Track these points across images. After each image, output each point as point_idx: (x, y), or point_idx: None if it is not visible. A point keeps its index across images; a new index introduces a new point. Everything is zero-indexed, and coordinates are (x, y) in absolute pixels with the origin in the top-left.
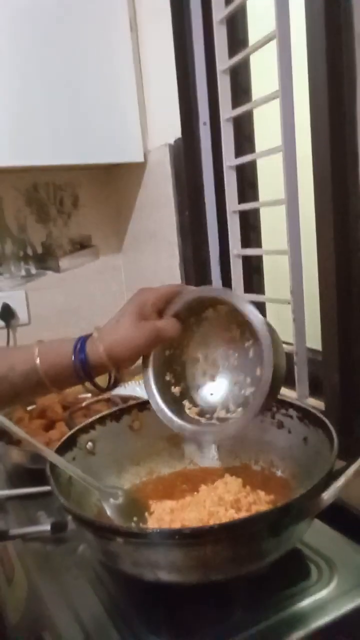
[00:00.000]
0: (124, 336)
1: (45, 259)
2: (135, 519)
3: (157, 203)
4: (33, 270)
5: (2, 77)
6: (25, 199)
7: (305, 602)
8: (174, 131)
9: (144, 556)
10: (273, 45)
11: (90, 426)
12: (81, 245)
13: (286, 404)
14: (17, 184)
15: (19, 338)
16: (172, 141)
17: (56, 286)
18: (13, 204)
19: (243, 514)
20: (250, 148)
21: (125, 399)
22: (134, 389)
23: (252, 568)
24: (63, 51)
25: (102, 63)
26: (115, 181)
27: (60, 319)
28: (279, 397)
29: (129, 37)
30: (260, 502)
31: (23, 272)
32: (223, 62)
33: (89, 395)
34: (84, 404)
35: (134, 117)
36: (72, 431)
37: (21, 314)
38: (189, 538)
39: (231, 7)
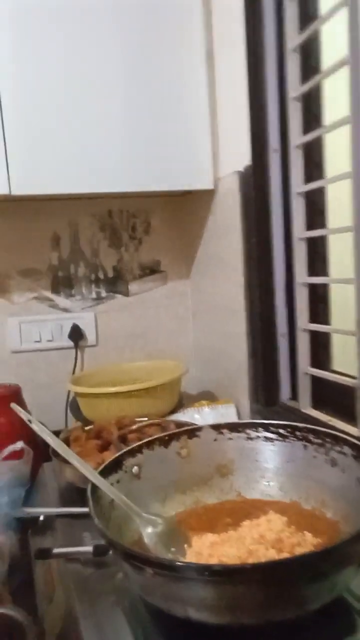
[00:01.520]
0: None
1: (115, 283)
2: (173, 549)
3: (225, 230)
4: (103, 294)
5: (80, 104)
6: (99, 224)
7: None
8: (244, 158)
9: (173, 590)
10: (346, 72)
11: (138, 450)
12: (151, 270)
13: (340, 441)
14: (93, 210)
15: (86, 358)
16: (242, 168)
17: (125, 310)
18: (88, 229)
19: (284, 555)
20: (320, 175)
21: (180, 424)
22: (192, 415)
23: (288, 615)
24: (139, 79)
25: (177, 92)
26: (186, 208)
27: (126, 342)
28: (333, 432)
29: (205, 65)
30: (305, 544)
31: (94, 295)
32: (295, 89)
33: (145, 418)
34: (134, 427)
35: (206, 145)
36: (119, 453)
37: (89, 335)
38: (220, 575)
39: (304, 35)
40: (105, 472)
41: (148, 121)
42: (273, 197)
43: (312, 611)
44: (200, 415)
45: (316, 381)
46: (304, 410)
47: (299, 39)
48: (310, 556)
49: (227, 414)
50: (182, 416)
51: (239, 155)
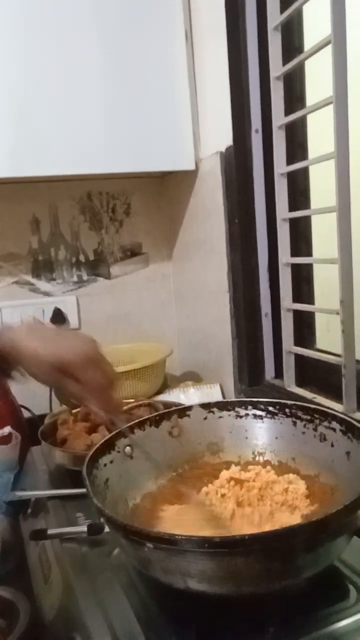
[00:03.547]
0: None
1: (96, 266)
2: None
3: (207, 211)
4: (85, 277)
5: (59, 86)
6: (79, 207)
7: (343, 624)
8: (226, 139)
9: (174, 563)
10: (328, 51)
11: (130, 430)
12: (132, 252)
13: (329, 416)
14: (73, 193)
15: None
16: (223, 149)
17: (106, 292)
18: (68, 212)
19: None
20: (303, 156)
21: (167, 404)
22: (178, 396)
23: (285, 583)
24: (119, 61)
25: (157, 72)
26: (167, 190)
27: (109, 325)
28: (322, 408)
29: (184, 46)
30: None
31: (75, 278)
32: (276, 69)
33: (132, 400)
34: (125, 408)
35: (187, 126)
36: (111, 434)
37: (72, 318)
38: (219, 547)
39: (286, 13)
40: (99, 453)
41: (128, 102)
42: (256, 178)
43: (307, 579)
44: (185, 396)
45: (300, 360)
46: (288, 389)
47: (281, 18)
48: (307, 526)
49: (212, 393)
50: (168, 397)
51: (221, 136)
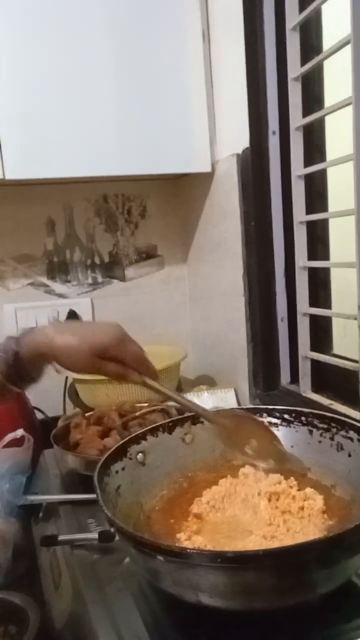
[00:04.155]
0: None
1: (111, 268)
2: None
3: (223, 214)
4: (99, 279)
5: (73, 87)
6: (94, 209)
7: None
8: (242, 141)
9: (185, 576)
10: (348, 51)
11: (142, 437)
12: (147, 255)
13: (347, 425)
14: (88, 195)
15: None
16: (239, 151)
17: (121, 295)
18: (83, 213)
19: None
20: (321, 158)
21: (181, 410)
22: (191, 400)
23: (299, 600)
24: (134, 61)
25: (173, 73)
26: (183, 192)
27: (123, 327)
28: (339, 417)
29: (201, 46)
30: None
31: (90, 280)
32: (294, 69)
33: (146, 404)
34: (137, 414)
35: (203, 127)
36: (123, 441)
37: (86, 320)
38: (232, 562)
39: (305, 13)
40: (111, 460)
41: (144, 103)
42: (272, 180)
43: (324, 595)
44: (199, 400)
45: (316, 365)
46: (304, 394)
47: (299, 18)
48: (323, 542)
49: (226, 398)
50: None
51: (237, 138)
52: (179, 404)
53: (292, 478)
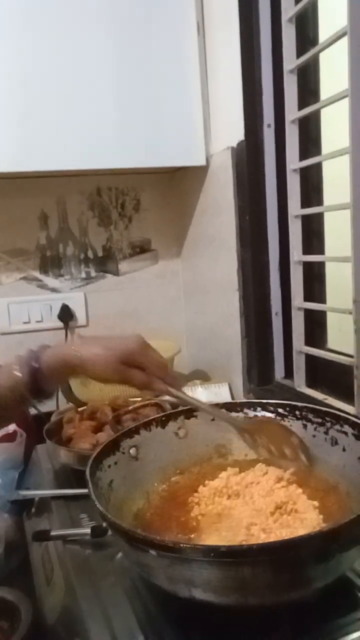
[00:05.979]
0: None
1: (105, 262)
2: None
3: (218, 207)
4: (93, 273)
5: (68, 80)
6: (88, 202)
7: (355, 635)
8: (237, 134)
9: (178, 571)
10: (344, 43)
11: (135, 431)
12: (141, 249)
13: (341, 420)
14: (81, 188)
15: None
16: (234, 144)
17: (115, 289)
18: (76, 207)
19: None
20: (316, 151)
21: (175, 404)
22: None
23: (295, 595)
24: (129, 54)
25: (168, 66)
26: (177, 185)
27: (117, 322)
28: (333, 411)
29: (196, 38)
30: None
31: (83, 274)
32: (290, 61)
33: (139, 399)
34: (130, 408)
35: (198, 121)
36: (116, 435)
37: (80, 315)
38: (225, 557)
39: (300, 4)
40: (104, 454)
41: (138, 96)
42: (267, 174)
43: (319, 590)
44: (193, 395)
45: (311, 360)
46: (298, 389)
47: (295, 9)
48: (318, 536)
49: (220, 393)
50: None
51: (232, 131)
52: (207, 412)
53: (288, 472)
